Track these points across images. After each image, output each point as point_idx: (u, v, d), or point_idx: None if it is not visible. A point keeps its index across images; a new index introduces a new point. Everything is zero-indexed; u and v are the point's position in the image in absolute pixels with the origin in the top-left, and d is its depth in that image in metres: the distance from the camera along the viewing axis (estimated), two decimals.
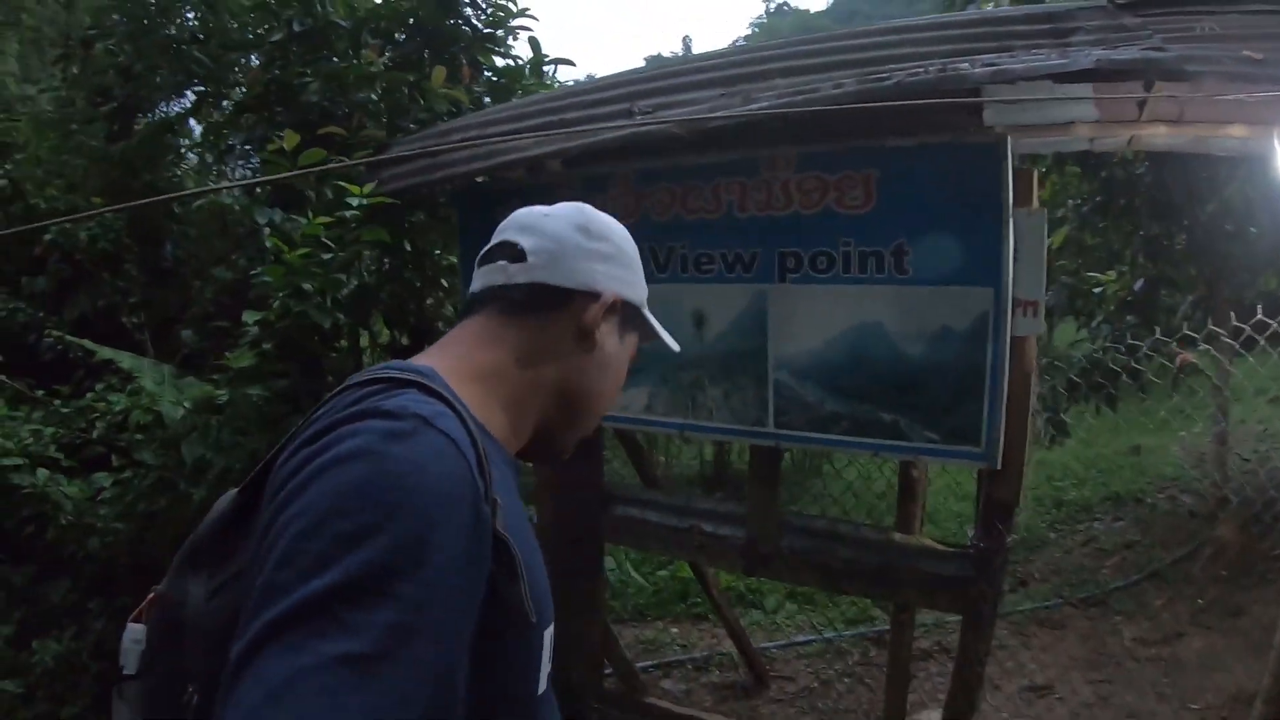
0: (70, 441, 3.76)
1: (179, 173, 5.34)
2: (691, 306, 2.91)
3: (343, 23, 4.18)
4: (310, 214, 3.24)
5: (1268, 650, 4.00)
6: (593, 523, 3.36)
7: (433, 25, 4.10)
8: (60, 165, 5.01)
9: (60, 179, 4.88)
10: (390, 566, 0.68)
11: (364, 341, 4.13)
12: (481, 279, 1.14)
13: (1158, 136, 3.22)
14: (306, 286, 3.12)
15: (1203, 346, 4.21)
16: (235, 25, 4.83)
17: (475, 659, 0.81)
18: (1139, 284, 5.78)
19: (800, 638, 4.64)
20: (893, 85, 2.39)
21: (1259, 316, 2.83)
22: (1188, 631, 4.43)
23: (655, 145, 2.78)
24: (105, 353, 3.63)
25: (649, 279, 2.78)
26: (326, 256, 3.13)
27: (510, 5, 4.30)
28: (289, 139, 3.41)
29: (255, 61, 4.68)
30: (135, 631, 0.93)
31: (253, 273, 3.34)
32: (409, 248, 3.95)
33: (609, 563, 4.95)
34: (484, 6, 4.23)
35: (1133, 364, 4.55)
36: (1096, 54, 2.26)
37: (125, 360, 3.59)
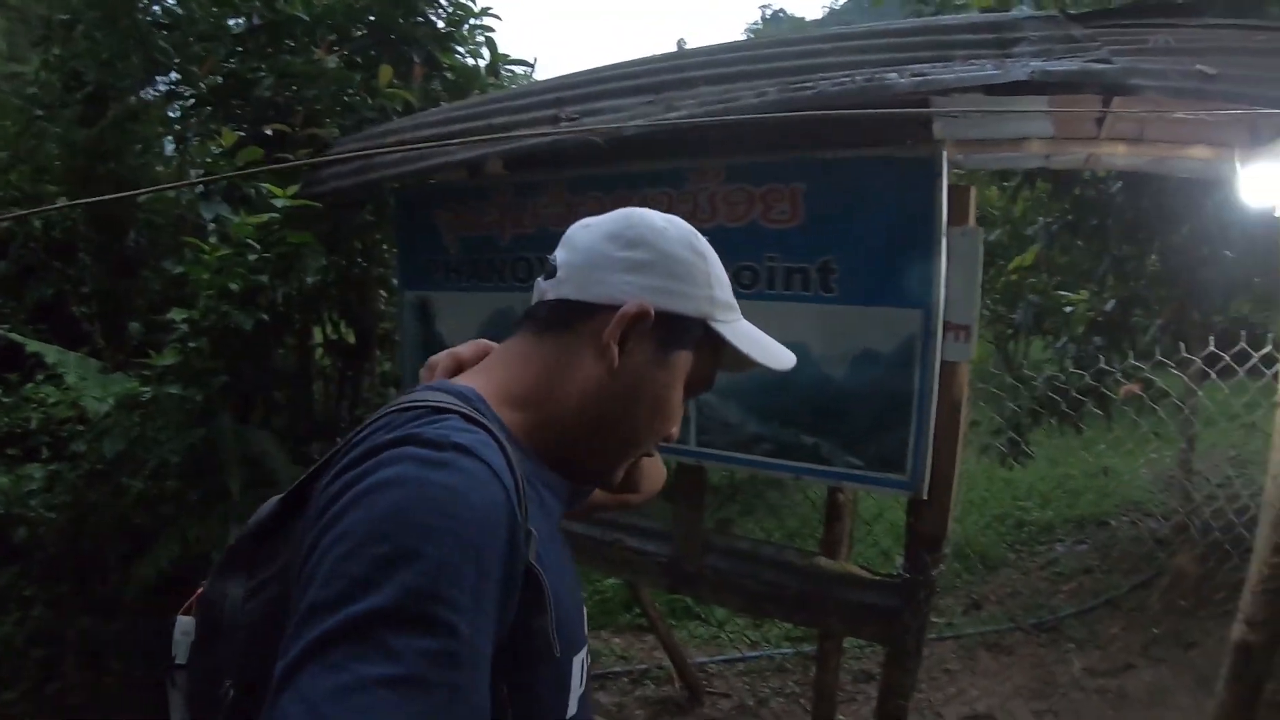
0: (11, 431, 3.64)
1: (148, 161, 5.19)
2: None
3: (302, 16, 4.03)
4: (242, 213, 3.10)
5: (1215, 683, 3.85)
6: None
7: (389, 23, 3.95)
8: (29, 150, 4.87)
9: (25, 164, 4.73)
10: (428, 591, 0.68)
11: (312, 340, 3.99)
12: (533, 295, 1.08)
13: (1117, 156, 3.07)
14: (232, 286, 2.98)
15: (1173, 371, 4.05)
16: (202, 15, 4.67)
17: (505, 685, 0.80)
18: (1110, 304, 5.61)
19: (742, 654, 4.46)
20: (813, 95, 2.25)
21: (1242, 345, 2.65)
22: (1138, 663, 4.28)
23: (580, 153, 2.61)
24: (32, 345, 3.50)
25: None
26: (252, 258, 2.99)
27: (470, 4, 4.15)
28: (226, 137, 3.27)
29: (207, 51, 4.51)
30: (185, 624, 0.95)
31: (177, 270, 3.20)
32: (358, 246, 3.80)
33: None
34: (445, 6, 4.08)
35: (1099, 387, 4.40)
36: (1033, 65, 2.10)
37: (50, 354, 3.45)
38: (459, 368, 1.10)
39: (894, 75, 2.25)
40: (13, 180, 4.45)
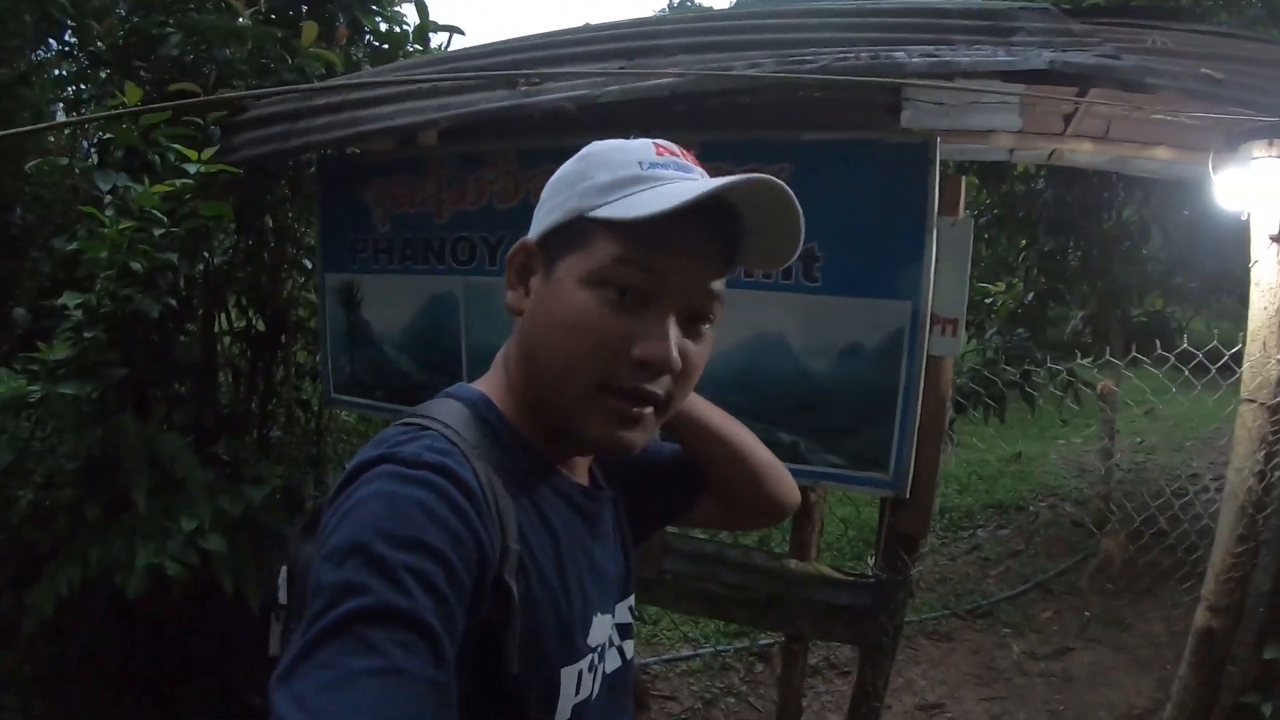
0: None
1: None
2: None
3: None
4: (147, 182, 2.67)
5: (1156, 665, 3.86)
6: None
7: None
8: None
9: None
10: (405, 592, 0.70)
11: (219, 327, 3.54)
12: None
13: (1080, 152, 3.01)
14: (135, 266, 2.54)
15: (1085, 361, 4.05)
16: None
17: (479, 690, 0.83)
18: (1029, 297, 5.63)
19: (681, 653, 4.24)
20: (818, 69, 2.02)
21: (1184, 346, 2.58)
22: (1075, 645, 4.27)
23: (541, 122, 2.30)
24: None
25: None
26: (158, 232, 2.56)
27: None
28: (131, 93, 2.83)
29: (104, 8, 4.02)
30: (284, 571, 1.00)
31: (70, 243, 2.73)
32: (271, 224, 3.38)
33: None
34: None
35: (1025, 377, 4.37)
36: (1049, 55, 1.97)
37: None
38: None
39: (902, 54, 2.06)
40: None
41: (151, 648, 3.12)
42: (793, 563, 2.64)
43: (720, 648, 4.22)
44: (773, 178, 0.87)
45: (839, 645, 4.14)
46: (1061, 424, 5.85)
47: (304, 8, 3.63)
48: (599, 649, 0.99)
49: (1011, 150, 3.12)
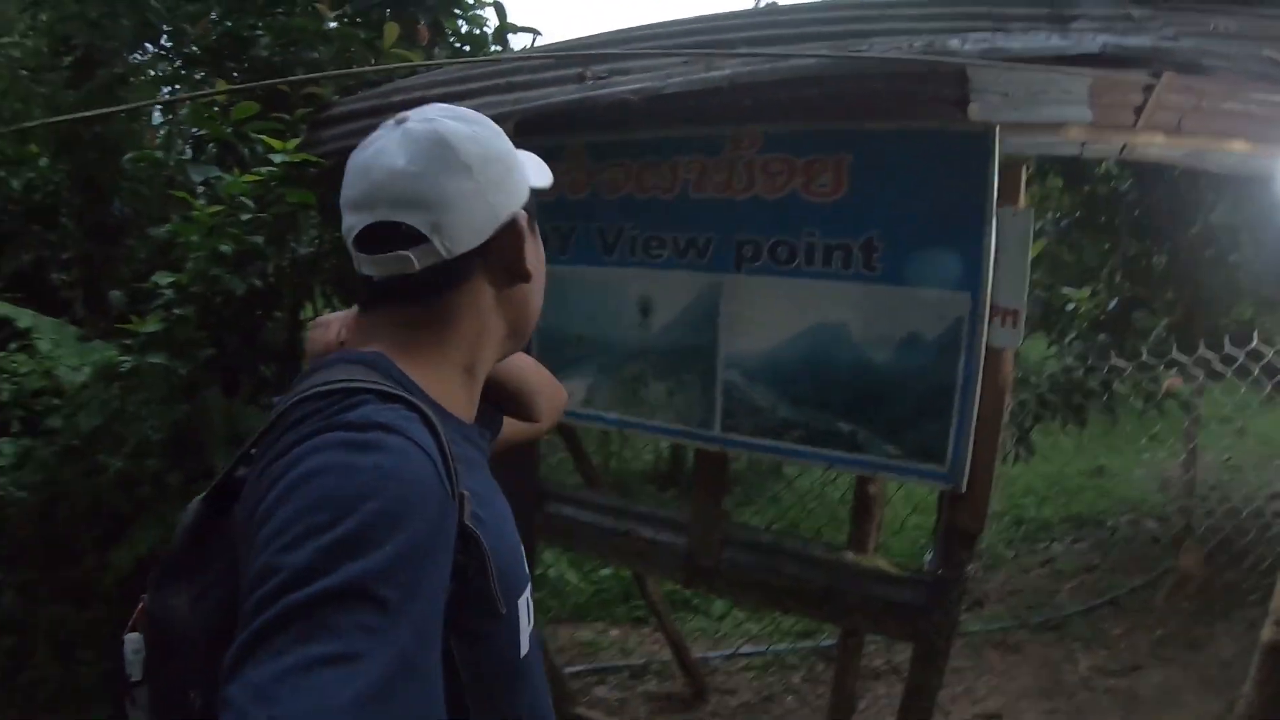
0: None
1: (136, 128, 4.96)
2: (638, 293, 2.58)
3: None
4: (236, 173, 2.87)
5: (1225, 687, 3.76)
6: (525, 520, 2.98)
7: None
8: (15, 113, 4.63)
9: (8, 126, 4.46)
10: (367, 571, 0.69)
11: (305, 314, 3.75)
12: (379, 268, 0.97)
13: (1153, 146, 2.96)
14: (224, 249, 2.74)
15: (1176, 371, 3.96)
16: None
17: (456, 644, 0.84)
18: (1113, 303, 5.53)
19: (745, 649, 4.30)
20: (873, 58, 2.08)
21: (1254, 344, 2.54)
22: (1145, 663, 4.16)
23: (608, 115, 2.41)
24: (2, 308, 3.23)
25: (596, 263, 2.56)
26: (246, 217, 2.75)
27: None
28: (222, 91, 3.05)
29: (199, 12, 4.29)
30: (134, 641, 0.94)
31: (164, 228, 2.95)
32: None
33: (546, 559, 4.63)
34: None
35: (1110, 384, 4.30)
36: (1103, 39, 1.97)
37: (24, 318, 3.19)
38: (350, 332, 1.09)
39: (955, 42, 2.09)
40: None
41: None
42: (850, 556, 2.68)
43: (782, 647, 4.27)
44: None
45: (903, 650, 4.16)
46: (1149, 439, 5.75)
47: (386, 10, 3.84)
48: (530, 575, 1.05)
49: (1083, 144, 3.11)
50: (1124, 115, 2.78)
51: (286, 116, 3.09)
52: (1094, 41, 1.98)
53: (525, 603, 0.98)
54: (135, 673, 0.93)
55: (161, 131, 4.46)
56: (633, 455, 6.91)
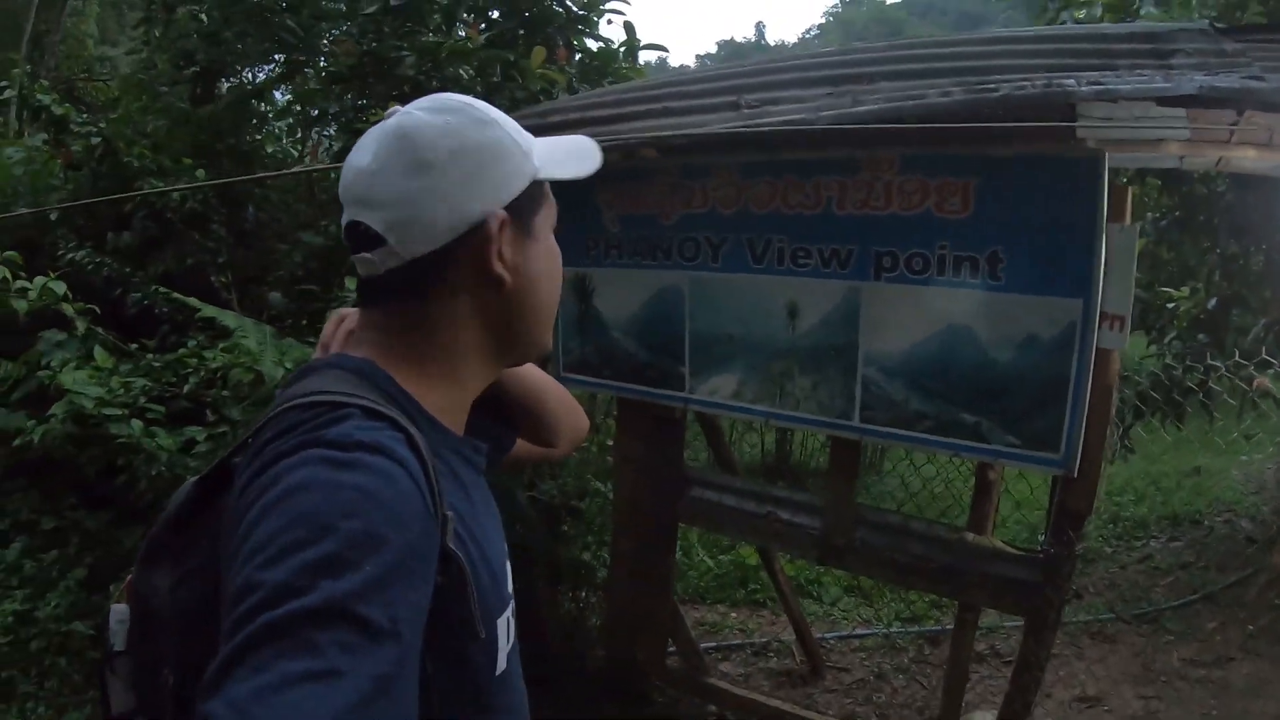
0: (159, 395, 3.92)
1: (259, 137, 5.56)
2: (786, 299, 3.05)
3: None
4: None
5: None
6: (669, 503, 3.52)
7: (528, 5, 4.26)
8: (146, 126, 5.23)
9: (146, 138, 5.07)
10: (348, 590, 0.72)
11: None
12: (359, 267, 1.04)
13: (1246, 159, 3.30)
14: None
15: (1272, 371, 4.28)
16: None
17: (433, 664, 0.87)
18: (1212, 302, 5.83)
19: (858, 631, 4.82)
20: (1000, 98, 2.50)
21: None
22: (1237, 656, 4.51)
23: (762, 141, 2.89)
24: (209, 311, 3.79)
25: (745, 270, 2.90)
26: None
27: None
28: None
29: (343, 33, 4.85)
30: (120, 612, 1.01)
31: (315, 240, 3.45)
32: None
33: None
34: None
35: (1206, 383, 4.60)
36: (1199, 79, 2.36)
37: (229, 319, 3.75)
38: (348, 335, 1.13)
39: (1071, 81, 2.49)
40: (141, 153, 4.78)
41: None
42: (970, 536, 3.11)
43: (896, 629, 4.80)
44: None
45: (1004, 635, 4.64)
46: (1246, 439, 6.07)
47: (520, 31, 4.37)
48: (513, 593, 1.09)
49: (1181, 158, 3.47)
50: (1219, 132, 3.15)
51: None
52: (1191, 83, 2.34)
53: (506, 622, 1.03)
54: (119, 643, 0.99)
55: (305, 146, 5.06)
56: (738, 449, 7.42)
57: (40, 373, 3.95)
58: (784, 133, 2.74)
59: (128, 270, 4.63)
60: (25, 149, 5.41)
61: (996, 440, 2.75)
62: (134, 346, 4.03)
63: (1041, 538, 3.04)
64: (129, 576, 1.02)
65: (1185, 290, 6.13)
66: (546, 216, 1.11)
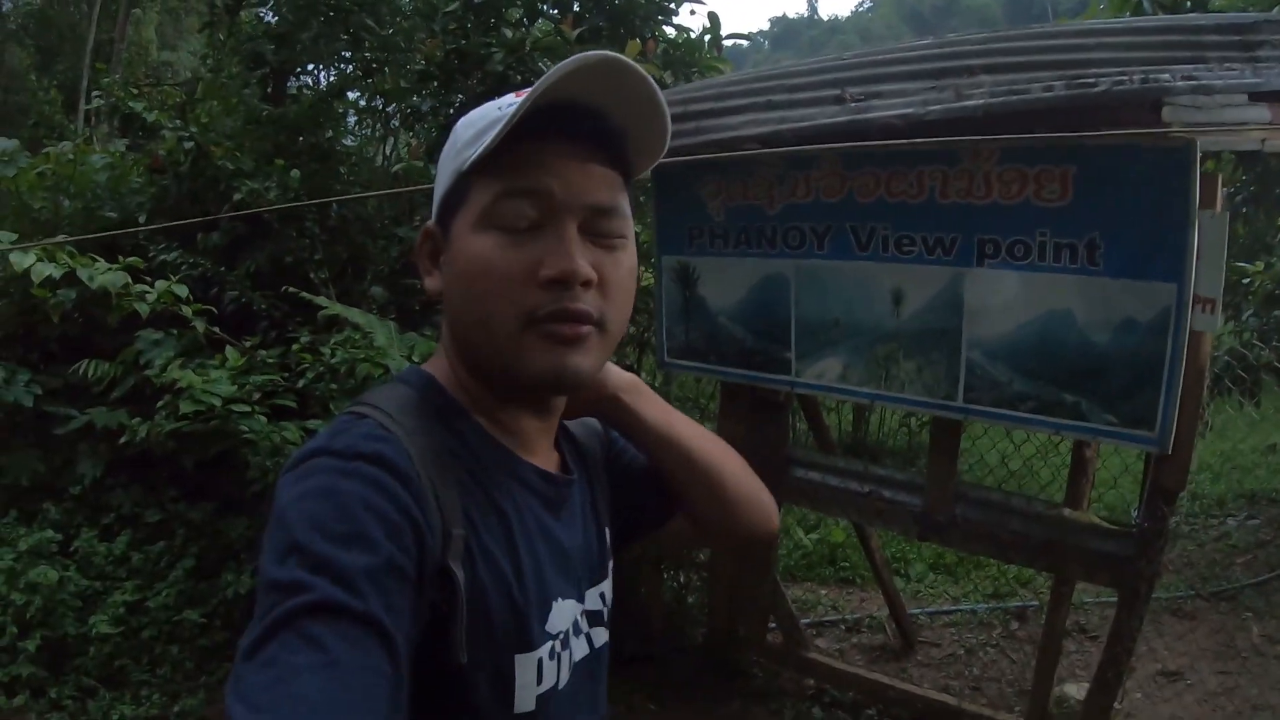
0: (269, 390, 4.20)
1: (334, 134, 5.84)
2: (891, 285, 3.28)
3: None
4: None
5: None
6: (772, 483, 3.72)
7: None
8: (226, 128, 5.51)
9: (229, 140, 5.33)
10: (349, 588, 0.78)
11: None
12: None
13: None
14: None
15: None
16: None
17: (429, 679, 0.90)
18: None
19: (944, 607, 5.11)
20: (1100, 93, 2.72)
21: None
22: None
23: (867, 133, 3.05)
24: (335, 308, 4.02)
25: (851, 257, 3.09)
26: None
27: None
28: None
29: (428, 31, 5.11)
30: None
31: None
32: None
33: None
34: None
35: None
36: None
37: (355, 315, 3.98)
38: None
39: (1167, 76, 2.70)
40: (232, 154, 5.09)
41: None
42: (1067, 511, 3.32)
43: (985, 605, 5.08)
44: (601, 53, 0.93)
45: (1090, 612, 4.90)
46: None
47: (600, 24, 4.62)
48: (561, 635, 1.05)
49: (1264, 140, 3.64)
50: None
51: None
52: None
53: (537, 660, 1.00)
54: None
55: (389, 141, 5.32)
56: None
57: (147, 370, 4.25)
58: (885, 124, 2.95)
59: (221, 269, 4.94)
60: (110, 154, 5.72)
61: (1096, 419, 2.95)
62: (247, 344, 4.32)
63: (1134, 513, 3.22)
64: None
65: (1260, 264, 6.25)
66: (466, 214, 1.00)
